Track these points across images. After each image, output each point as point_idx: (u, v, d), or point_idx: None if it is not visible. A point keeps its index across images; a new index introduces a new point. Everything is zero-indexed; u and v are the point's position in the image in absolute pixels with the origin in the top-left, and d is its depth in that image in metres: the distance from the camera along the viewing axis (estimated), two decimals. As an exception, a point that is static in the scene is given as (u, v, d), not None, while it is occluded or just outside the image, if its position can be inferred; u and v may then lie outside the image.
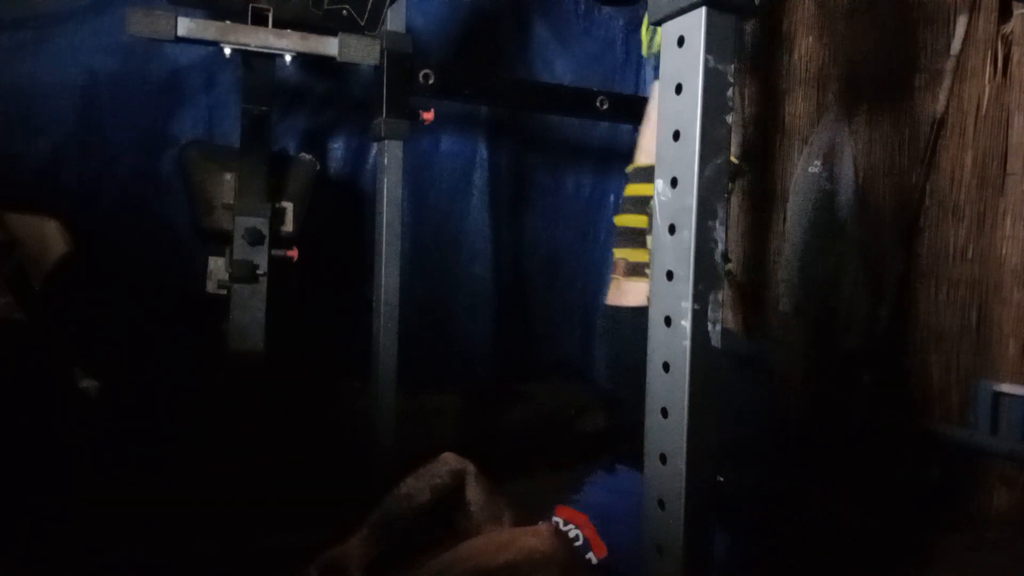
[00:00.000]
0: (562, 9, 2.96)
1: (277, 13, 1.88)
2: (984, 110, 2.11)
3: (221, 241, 1.99)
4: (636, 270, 1.75)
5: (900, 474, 2.19)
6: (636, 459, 1.52)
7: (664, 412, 0.95)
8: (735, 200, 2.90)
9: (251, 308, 1.96)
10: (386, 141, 1.98)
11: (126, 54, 2.20)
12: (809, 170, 2.56)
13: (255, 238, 1.94)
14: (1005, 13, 2.09)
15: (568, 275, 3.03)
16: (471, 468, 1.46)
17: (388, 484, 1.47)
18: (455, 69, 2.17)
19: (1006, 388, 2.02)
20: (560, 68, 2.94)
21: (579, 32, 2.98)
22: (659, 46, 1.60)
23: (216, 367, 1.97)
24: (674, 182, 0.94)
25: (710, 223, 0.91)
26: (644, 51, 1.72)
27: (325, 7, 1.92)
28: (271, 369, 1.98)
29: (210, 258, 2.03)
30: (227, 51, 1.86)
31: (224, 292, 1.97)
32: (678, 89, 0.94)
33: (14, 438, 1.62)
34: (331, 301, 2.45)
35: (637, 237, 1.74)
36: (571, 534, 1.35)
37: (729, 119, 0.93)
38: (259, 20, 1.87)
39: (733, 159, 2.11)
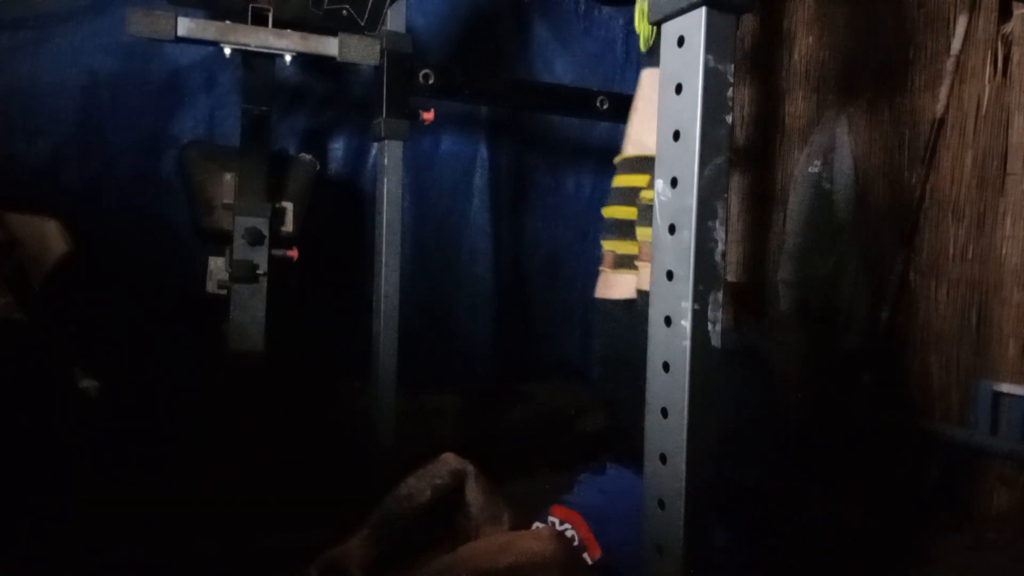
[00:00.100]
0: (562, 9, 2.96)
1: (277, 13, 1.88)
2: (984, 110, 2.11)
3: (221, 241, 1.99)
4: (624, 262, 1.72)
5: (900, 474, 2.19)
6: (627, 457, 1.52)
7: (664, 412, 0.95)
8: (735, 200, 2.90)
9: (251, 308, 1.96)
10: (386, 141, 1.98)
11: (126, 54, 2.20)
12: (809, 170, 2.56)
13: (255, 238, 1.94)
14: (1005, 13, 2.09)
15: (568, 275, 3.03)
16: (471, 469, 1.46)
17: (388, 484, 1.47)
18: (455, 69, 2.17)
19: (1006, 388, 2.02)
20: (560, 68, 2.94)
21: (579, 32, 2.98)
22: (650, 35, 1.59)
23: (216, 367, 1.97)
24: (674, 182, 0.94)
25: (710, 223, 0.92)
26: (643, 46, 1.69)
27: (325, 7, 1.92)
28: (271, 369, 1.98)
29: (210, 258, 2.03)
30: (227, 51, 1.86)
31: (224, 292, 1.97)
32: (678, 89, 0.94)
33: (14, 438, 1.62)
34: (331, 301, 2.45)
35: (625, 229, 1.71)
36: (567, 534, 1.35)
37: (729, 119, 0.93)
38: (259, 20, 1.87)
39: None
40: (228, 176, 2.01)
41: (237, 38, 1.85)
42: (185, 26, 1.79)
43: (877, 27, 2.38)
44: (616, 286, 1.73)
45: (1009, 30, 2.07)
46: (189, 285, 2.04)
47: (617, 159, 1.78)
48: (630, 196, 1.69)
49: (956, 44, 2.16)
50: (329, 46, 1.93)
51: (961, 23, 2.15)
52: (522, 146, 2.93)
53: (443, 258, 2.77)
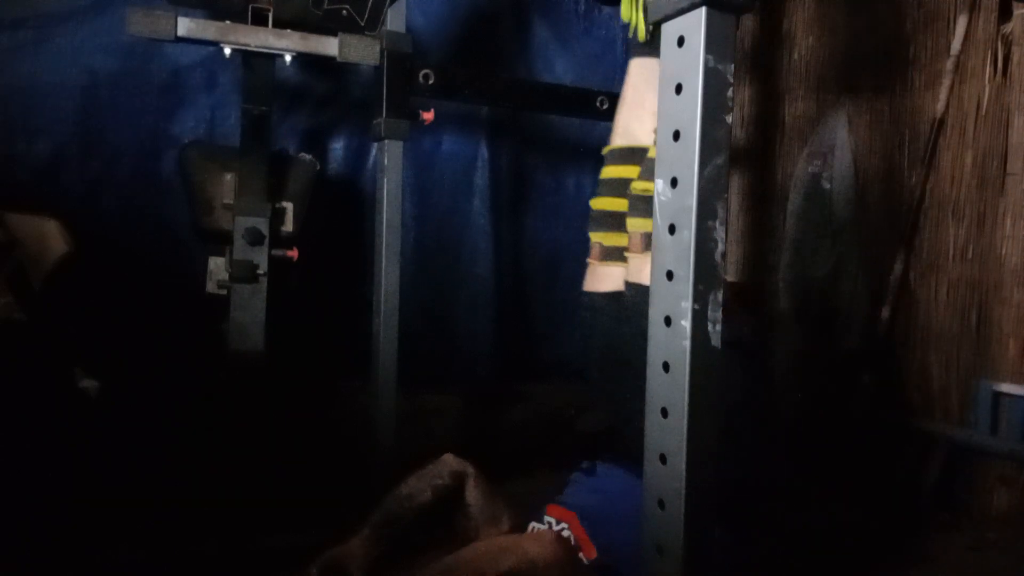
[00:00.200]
0: (562, 9, 2.96)
1: (277, 13, 1.88)
2: (984, 110, 2.11)
3: (221, 241, 1.99)
4: (611, 254, 1.69)
5: (900, 474, 2.19)
6: (618, 454, 1.52)
7: (664, 412, 0.95)
8: (735, 200, 2.90)
9: (251, 308, 1.96)
10: (386, 141, 1.98)
11: (126, 54, 2.20)
12: (809, 170, 2.56)
13: (255, 238, 1.94)
14: (1005, 13, 2.09)
15: (568, 275, 3.03)
16: (470, 470, 1.46)
17: (388, 484, 1.46)
18: (455, 69, 2.17)
19: (1006, 388, 2.02)
20: (560, 68, 2.94)
21: (579, 32, 2.98)
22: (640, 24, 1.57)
23: (216, 367, 1.97)
24: (674, 182, 0.94)
25: (710, 223, 0.92)
26: (642, 35, 1.66)
27: (325, 7, 1.92)
28: (271, 369, 1.98)
29: (210, 258, 2.03)
30: (227, 51, 1.86)
31: (224, 292, 1.97)
32: (678, 89, 0.94)
33: (14, 438, 1.62)
34: (331, 301, 2.45)
35: (614, 221, 1.68)
36: (564, 534, 1.35)
37: (729, 119, 0.93)
38: (259, 20, 1.87)
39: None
40: (228, 176, 2.01)
41: (237, 38, 1.84)
42: (185, 26, 1.79)
43: (877, 27, 2.38)
44: (603, 279, 1.71)
45: (1009, 30, 2.07)
46: (189, 285, 2.04)
47: (605, 150, 1.76)
48: (619, 188, 1.67)
49: (956, 44, 2.16)
50: (329, 46, 1.93)
51: (961, 23, 2.15)
52: (522, 146, 2.93)
53: (443, 258, 2.77)
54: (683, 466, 0.91)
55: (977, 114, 2.13)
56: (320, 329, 2.35)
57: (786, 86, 2.71)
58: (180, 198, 2.15)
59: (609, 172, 1.74)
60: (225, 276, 1.98)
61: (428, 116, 2.06)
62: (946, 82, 2.17)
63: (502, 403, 2.55)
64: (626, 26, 1.68)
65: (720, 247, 0.92)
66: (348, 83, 2.53)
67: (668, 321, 0.95)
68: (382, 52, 1.96)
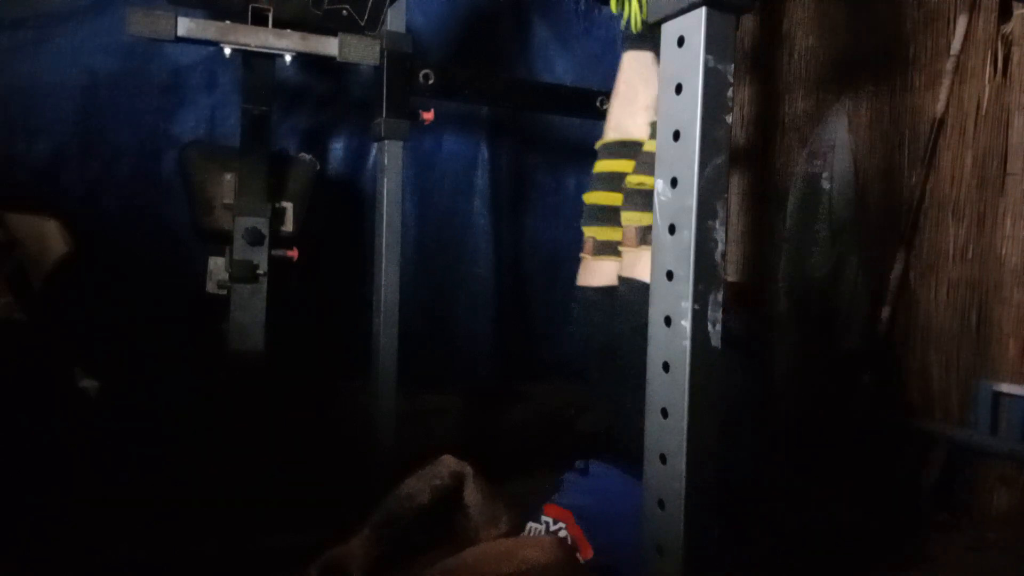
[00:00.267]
0: (562, 9, 2.96)
1: (277, 13, 1.88)
2: (984, 110, 2.11)
3: (221, 241, 1.99)
4: (605, 248, 1.68)
5: (900, 474, 2.19)
6: (612, 452, 1.51)
7: (664, 412, 0.95)
8: (735, 200, 2.90)
9: (251, 308, 1.96)
10: (386, 141, 1.98)
11: (126, 54, 2.20)
12: (809, 170, 2.56)
13: (255, 238, 1.94)
14: (1005, 13, 2.09)
15: (569, 275, 2.99)
16: (469, 470, 1.46)
17: (388, 484, 1.47)
18: (455, 69, 2.17)
19: (1006, 388, 2.02)
20: (561, 68, 2.94)
21: (579, 32, 2.98)
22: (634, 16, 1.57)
23: (216, 367, 1.97)
24: (674, 182, 0.94)
25: (710, 223, 0.92)
26: (636, 25, 1.65)
27: (325, 7, 1.92)
28: (271, 369, 1.98)
29: (210, 258, 2.03)
30: (227, 51, 1.86)
31: (224, 292, 1.97)
32: (678, 89, 0.94)
33: (14, 438, 1.62)
34: (331, 301, 2.45)
35: (607, 215, 1.68)
36: (560, 534, 1.35)
37: (729, 119, 0.93)
38: (259, 20, 1.87)
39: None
40: (228, 176, 2.01)
41: (237, 38, 1.84)
42: (185, 26, 1.79)
43: (877, 27, 2.38)
44: (596, 273, 1.70)
45: (1009, 30, 2.07)
46: (189, 285, 2.04)
47: (598, 144, 1.76)
48: (613, 182, 1.67)
49: (956, 44, 2.16)
50: (329, 46, 1.93)
51: (961, 23, 2.15)
52: (523, 146, 2.93)
53: (444, 258, 2.77)
54: (683, 466, 0.91)
55: (977, 114, 2.13)
56: (320, 329, 2.35)
57: (786, 86, 2.71)
58: (180, 198, 2.15)
59: (602, 166, 1.73)
60: (225, 276, 1.98)
61: (428, 116, 2.07)
62: (946, 82, 2.17)
63: (502, 403, 2.55)
64: (627, 26, 1.68)
65: (720, 247, 0.92)
66: (348, 83, 2.53)
67: (668, 321, 0.95)
68: (382, 52, 1.96)
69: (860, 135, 2.44)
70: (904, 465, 2.18)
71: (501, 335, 2.85)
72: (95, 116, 2.19)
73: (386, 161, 1.98)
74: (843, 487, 2.21)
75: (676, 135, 0.94)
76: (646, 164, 1.52)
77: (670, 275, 0.94)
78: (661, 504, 0.95)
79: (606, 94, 2.34)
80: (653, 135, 1.56)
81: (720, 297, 0.93)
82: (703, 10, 0.89)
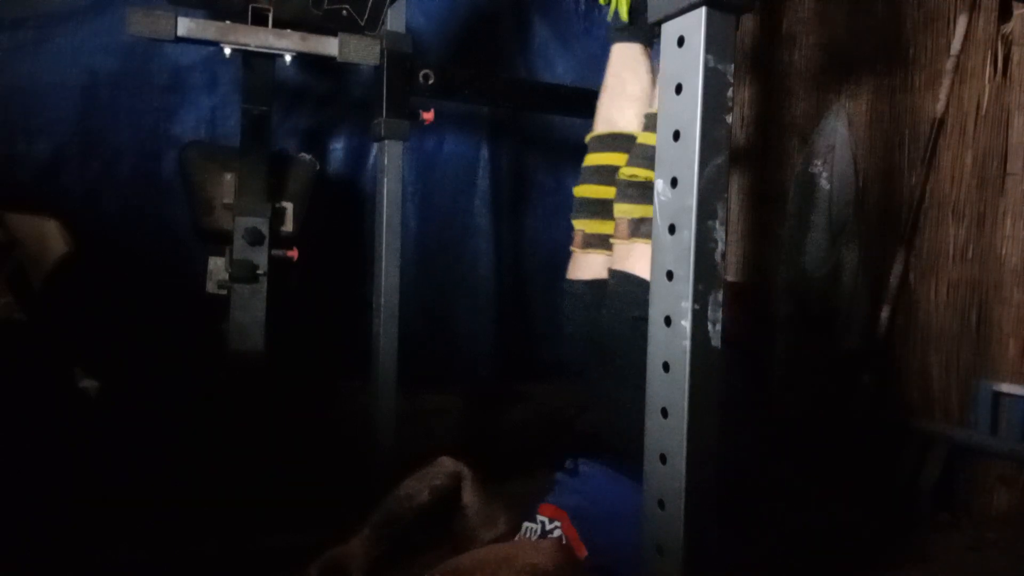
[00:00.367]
0: (562, 9, 2.96)
1: (277, 13, 1.88)
2: (984, 110, 2.11)
3: (221, 241, 1.99)
4: (594, 242, 1.68)
5: (900, 474, 2.19)
6: (600, 453, 1.51)
7: (664, 412, 0.95)
8: (735, 200, 2.90)
9: (251, 308, 1.96)
10: (386, 141, 1.98)
11: (126, 54, 2.20)
12: (809, 170, 2.56)
13: (255, 238, 1.94)
14: (1005, 13, 2.09)
15: (568, 275, 3.03)
16: (467, 471, 1.46)
17: (388, 484, 1.47)
18: (455, 69, 2.17)
19: (1006, 388, 2.02)
20: (561, 68, 2.94)
21: (580, 32, 2.98)
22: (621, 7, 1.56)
23: (216, 367, 1.97)
24: (674, 182, 0.94)
25: (710, 223, 0.92)
26: (624, 14, 1.64)
27: (325, 7, 1.92)
28: (271, 369, 1.98)
29: (210, 258, 2.03)
30: (227, 51, 1.86)
31: (224, 292, 1.97)
32: (678, 89, 0.94)
33: (14, 438, 1.62)
34: (331, 301, 2.45)
35: (597, 208, 1.68)
36: (555, 533, 1.35)
37: (729, 119, 0.93)
38: (259, 20, 1.87)
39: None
40: (228, 176, 2.01)
41: (237, 38, 1.85)
42: (185, 26, 1.79)
43: (877, 27, 2.38)
44: (584, 267, 1.70)
45: (1009, 30, 2.07)
46: (189, 285, 2.04)
47: (588, 138, 1.76)
48: (603, 174, 1.66)
49: (956, 44, 2.16)
50: (329, 46, 1.93)
51: (961, 23, 2.15)
52: (523, 146, 2.93)
53: (444, 258, 2.77)
54: (683, 466, 0.91)
55: (977, 114, 2.13)
56: (320, 329, 2.35)
57: (786, 86, 2.71)
58: (180, 198, 2.15)
59: (592, 159, 1.73)
60: (225, 276, 1.98)
61: (428, 116, 2.06)
62: (946, 82, 2.17)
63: (502, 403, 2.55)
64: (615, 18, 1.68)
65: (720, 247, 0.92)
66: (348, 83, 2.53)
67: (668, 321, 0.95)
68: (382, 52, 1.96)
69: (860, 135, 2.44)
70: (904, 465, 2.18)
71: (501, 335, 2.85)
72: (95, 116, 2.19)
73: (386, 161, 1.98)
74: (843, 487, 2.21)
75: (676, 135, 0.94)
76: (639, 156, 1.52)
77: (670, 275, 0.95)
78: (661, 504, 0.95)
79: (606, 94, 2.35)
80: (647, 127, 1.56)
81: (720, 297, 0.93)
82: (703, 10, 0.89)
